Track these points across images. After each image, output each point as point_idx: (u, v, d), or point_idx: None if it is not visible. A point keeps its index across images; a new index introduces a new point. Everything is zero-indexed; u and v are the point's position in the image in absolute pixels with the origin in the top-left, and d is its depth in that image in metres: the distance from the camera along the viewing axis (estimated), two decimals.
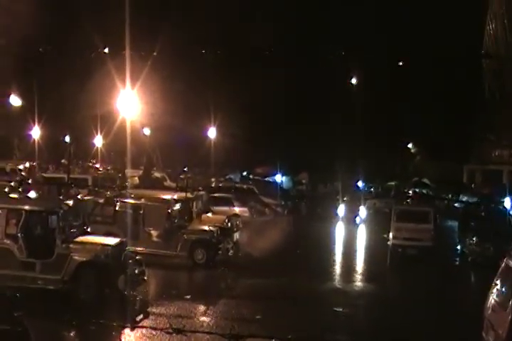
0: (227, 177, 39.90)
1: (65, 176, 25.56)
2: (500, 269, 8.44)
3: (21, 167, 35.70)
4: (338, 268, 17.14)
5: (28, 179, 29.78)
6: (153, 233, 15.76)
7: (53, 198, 19.83)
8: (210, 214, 18.91)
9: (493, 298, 8.25)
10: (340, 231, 25.92)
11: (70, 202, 13.10)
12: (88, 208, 15.33)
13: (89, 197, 18.15)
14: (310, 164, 43.00)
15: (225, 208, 23.12)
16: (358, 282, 15.26)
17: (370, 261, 18.47)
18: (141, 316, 10.82)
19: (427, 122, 43.58)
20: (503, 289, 8.08)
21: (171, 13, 41.56)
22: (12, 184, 25.60)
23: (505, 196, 25.88)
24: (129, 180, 30.43)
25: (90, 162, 46.18)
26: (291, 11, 47.85)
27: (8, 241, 11.69)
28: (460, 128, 44.39)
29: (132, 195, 16.97)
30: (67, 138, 40.58)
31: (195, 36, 45.36)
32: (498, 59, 47.37)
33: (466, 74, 45.49)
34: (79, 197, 19.29)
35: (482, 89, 50.07)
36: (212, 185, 30.63)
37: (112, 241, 12.33)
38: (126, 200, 16.31)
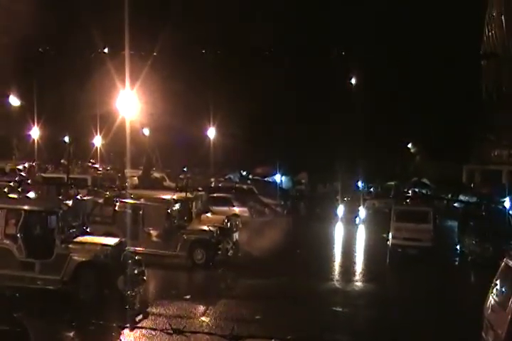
0: (227, 177, 39.92)
1: (65, 176, 25.57)
2: (500, 269, 8.44)
3: (21, 167, 35.73)
4: (337, 268, 17.13)
5: (28, 179, 29.79)
6: (153, 233, 15.75)
7: (52, 198, 19.82)
8: (209, 214, 18.91)
9: (492, 298, 8.25)
10: (339, 231, 25.92)
11: (70, 202, 13.09)
12: (87, 208, 15.31)
13: (88, 197, 18.15)
14: (309, 164, 43.00)
15: (225, 208, 23.13)
16: (358, 282, 15.25)
17: (369, 261, 18.46)
18: (140, 316, 10.81)
19: (427, 122, 43.59)
20: (503, 289, 8.07)
21: (171, 12, 41.53)
22: (11, 184, 25.59)
23: (504, 196, 25.90)
24: (128, 180, 30.42)
25: (90, 162, 46.18)
26: (291, 11, 47.82)
27: (8, 241, 11.68)
28: (460, 128, 44.41)
29: (132, 195, 16.96)
30: (67, 138, 40.55)
31: (194, 36, 45.34)
32: (496, 59, 47.41)
33: (465, 74, 45.50)
34: (78, 197, 19.28)
35: (481, 90, 50.13)
36: (212, 185, 30.63)
37: (111, 241, 12.32)
38: (125, 200, 16.30)
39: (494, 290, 8.34)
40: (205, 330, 9.89)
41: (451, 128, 44.29)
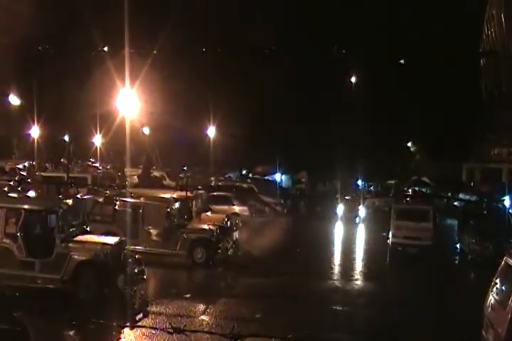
0: (227, 176, 39.93)
1: (64, 175, 25.56)
2: (500, 268, 8.43)
3: (20, 166, 35.73)
4: (337, 267, 17.13)
5: (28, 178, 29.79)
6: (153, 232, 15.75)
7: (52, 197, 19.82)
8: (209, 213, 18.91)
9: (492, 297, 8.24)
10: (339, 230, 25.92)
11: (70, 202, 13.09)
12: (87, 207, 15.31)
13: (88, 197, 18.15)
14: (309, 163, 42.99)
15: (225, 207, 23.14)
16: (358, 281, 15.26)
17: (369, 260, 18.46)
18: (140, 315, 10.81)
19: (427, 121, 43.58)
20: (503, 288, 8.07)
21: (171, 12, 41.48)
22: (11, 183, 25.60)
23: (504, 194, 25.90)
24: (128, 179, 30.42)
25: (89, 161, 46.18)
26: (292, 10, 47.80)
27: (8, 241, 11.68)
28: (459, 126, 44.39)
29: (132, 194, 16.96)
30: (67, 138, 40.57)
31: (195, 35, 45.31)
32: (495, 58, 47.38)
33: (465, 73, 45.49)
34: (78, 196, 19.28)
35: (481, 88, 50.10)
36: (212, 184, 30.64)
37: (111, 240, 12.32)
38: (125, 199, 16.30)
39: (494, 289, 8.33)
40: (205, 329, 9.89)
41: (451, 127, 44.27)
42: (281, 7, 46.14)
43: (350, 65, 52.14)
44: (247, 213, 24.19)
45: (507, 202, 23.78)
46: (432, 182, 40.02)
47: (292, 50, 49.35)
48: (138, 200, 16.12)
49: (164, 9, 42.69)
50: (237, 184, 31.35)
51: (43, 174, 30.29)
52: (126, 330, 9.53)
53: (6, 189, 22.68)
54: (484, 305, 8.40)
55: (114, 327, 9.13)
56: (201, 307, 11.89)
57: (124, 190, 19.46)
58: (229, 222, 17.52)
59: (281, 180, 40.47)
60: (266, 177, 40.32)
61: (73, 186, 24.58)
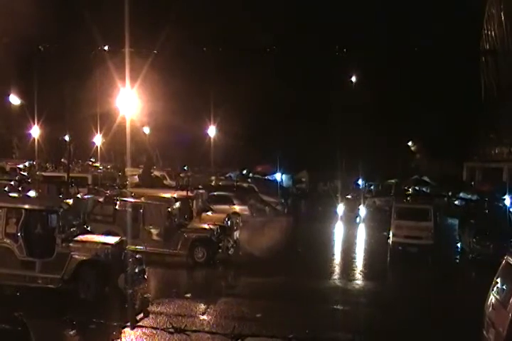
0: (227, 175, 39.90)
1: (65, 175, 25.54)
2: (501, 267, 8.42)
3: (21, 166, 35.72)
4: (338, 267, 17.11)
5: (28, 178, 29.78)
6: (154, 231, 15.75)
7: (53, 197, 19.83)
8: (210, 213, 18.91)
9: (493, 296, 8.23)
10: (340, 229, 25.91)
11: (70, 201, 13.09)
12: (88, 207, 15.32)
13: (89, 196, 18.15)
14: (310, 162, 42.99)
15: (225, 206, 23.12)
16: (359, 280, 15.25)
17: (370, 259, 18.46)
18: (141, 315, 10.79)
19: (428, 120, 43.55)
20: (504, 287, 8.06)
21: (172, 11, 41.47)
22: (12, 183, 25.61)
23: (505, 194, 25.90)
24: (128, 178, 30.41)
25: (90, 161, 46.18)
26: (292, 10, 47.80)
27: (8, 240, 11.68)
28: (460, 126, 44.37)
29: (133, 194, 16.96)
30: (67, 137, 40.55)
31: (195, 35, 45.31)
32: (495, 57, 47.33)
33: (466, 72, 45.47)
34: (79, 196, 19.29)
35: (482, 87, 50.04)
36: (213, 184, 30.62)
37: (112, 240, 12.32)
38: (126, 199, 16.30)
39: (495, 288, 8.32)
40: (206, 329, 9.89)
41: (452, 126, 44.27)
42: (282, 7, 46.16)
43: (351, 65, 52.14)
44: (247, 213, 24.16)
45: (507, 201, 23.78)
46: (433, 181, 39.99)
47: (293, 49, 49.35)
48: (138, 200, 16.12)
49: (165, 9, 42.69)
50: (238, 183, 31.32)
51: (44, 174, 30.29)
52: (127, 330, 9.52)
53: (6, 189, 22.71)
54: (485, 304, 8.39)
55: (114, 326, 9.12)
56: (202, 306, 11.89)
57: (124, 190, 19.47)
58: (229, 222, 17.52)
59: (282, 179, 40.44)
60: (266, 177, 40.30)
61: (74, 186, 24.59)
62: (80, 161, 44.35)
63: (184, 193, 17.57)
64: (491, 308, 8.16)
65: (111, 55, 36.98)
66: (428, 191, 36.28)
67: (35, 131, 40.21)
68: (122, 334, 9.46)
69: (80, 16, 38.04)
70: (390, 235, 18.41)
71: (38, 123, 39.52)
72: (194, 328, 9.40)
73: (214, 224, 16.52)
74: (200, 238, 15.82)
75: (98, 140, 45.65)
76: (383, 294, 13.86)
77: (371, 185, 41.08)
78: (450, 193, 33.54)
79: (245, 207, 24.54)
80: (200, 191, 20.44)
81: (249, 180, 35.63)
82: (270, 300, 12.31)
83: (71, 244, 11.71)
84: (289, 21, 47.01)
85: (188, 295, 12.54)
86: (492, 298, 8.23)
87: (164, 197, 16.63)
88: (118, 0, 26.39)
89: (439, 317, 11.36)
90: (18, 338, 7.36)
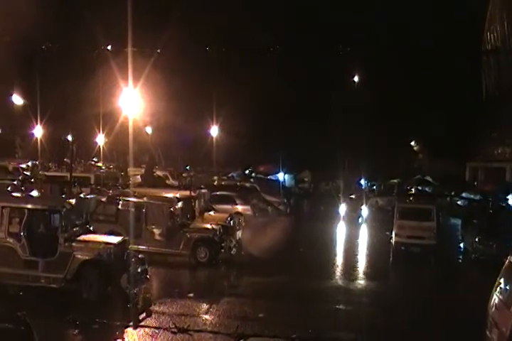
0: (230, 175, 39.93)
1: (67, 175, 25.58)
2: (504, 267, 8.40)
3: (24, 166, 35.80)
4: (340, 266, 17.10)
5: (31, 178, 29.84)
6: (156, 231, 15.76)
7: (56, 197, 19.85)
8: (212, 213, 18.91)
9: (496, 296, 8.21)
10: (342, 229, 25.87)
11: (73, 201, 13.09)
12: (91, 207, 15.32)
13: (91, 196, 18.15)
14: (312, 162, 42.97)
15: (228, 206, 23.13)
16: (361, 280, 15.23)
17: (372, 259, 18.43)
18: (143, 315, 10.81)
19: (430, 120, 43.50)
20: (507, 287, 8.04)
21: (175, 11, 41.50)
22: (15, 183, 25.66)
23: (508, 193, 25.86)
24: (131, 178, 30.47)
25: (92, 160, 46.26)
26: (294, 10, 47.77)
27: (11, 240, 11.70)
28: (462, 125, 44.30)
29: (136, 193, 16.98)
30: (70, 137, 40.64)
31: (198, 35, 45.32)
32: (497, 56, 47.25)
33: (469, 71, 45.40)
34: (81, 195, 19.31)
35: (484, 87, 49.95)
36: (215, 184, 30.64)
37: (114, 239, 12.33)
38: (128, 199, 16.31)
39: (498, 289, 8.30)
40: (209, 329, 9.89)
41: (454, 126, 44.20)
42: (284, 5, 46.14)
43: (353, 65, 52.10)
44: (250, 212, 24.16)
45: (511, 201, 23.75)
46: (435, 181, 39.94)
47: (295, 49, 49.35)
48: (141, 200, 16.13)
49: (168, 8, 42.71)
50: (240, 183, 31.33)
51: (46, 173, 30.35)
52: (130, 330, 9.53)
53: (9, 188, 22.75)
54: (488, 304, 8.37)
55: (117, 326, 9.14)
56: (204, 306, 11.89)
57: (127, 190, 19.48)
58: (232, 222, 17.52)
59: (284, 179, 40.45)
60: (269, 177, 40.30)
61: (76, 185, 24.62)
62: (82, 161, 44.43)
63: (186, 193, 17.57)
64: (494, 308, 8.15)
65: (113, 54, 37.03)
66: (430, 191, 36.23)
67: (38, 131, 40.28)
68: (125, 334, 9.46)
69: (83, 16, 38.10)
70: (393, 235, 18.38)
71: (40, 123, 39.59)
72: (196, 328, 9.41)
73: (216, 224, 16.52)
74: (202, 238, 15.82)
75: (100, 140, 45.71)
76: (386, 294, 13.84)
77: (373, 185, 41.07)
78: (453, 193, 33.50)
79: (248, 207, 24.55)
80: (203, 191, 20.44)
81: (251, 179, 35.64)
82: (272, 300, 12.31)
83: (74, 244, 11.72)
84: (291, 21, 46.99)
85: (191, 295, 12.54)
86: (495, 298, 8.21)
87: (167, 197, 16.63)
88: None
89: (442, 317, 11.34)
90: (21, 337, 7.37)
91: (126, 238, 12.85)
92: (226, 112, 40.72)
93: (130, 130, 22.13)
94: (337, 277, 15.49)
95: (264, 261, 15.99)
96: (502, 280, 8.29)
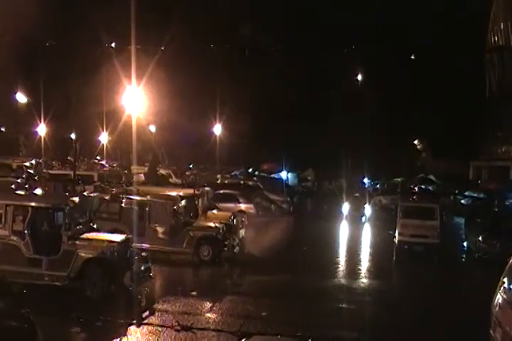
0: (233, 173, 39.95)
1: (71, 173, 25.64)
2: (508, 266, 8.38)
3: (27, 164, 35.88)
4: (344, 265, 17.08)
5: (35, 176, 29.92)
6: (159, 230, 15.77)
7: (59, 195, 19.90)
8: (215, 211, 18.93)
9: (500, 296, 8.19)
10: (345, 228, 25.87)
11: (76, 199, 13.12)
12: (94, 205, 15.35)
13: (95, 194, 18.19)
14: (315, 161, 42.95)
15: (231, 205, 23.17)
16: (365, 279, 15.22)
17: (376, 258, 18.42)
18: (147, 313, 10.83)
19: (433, 119, 43.42)
20: (511, 286, 8.02)
21: (178, 9, 41.49)
22: (18, 181, 25.73)
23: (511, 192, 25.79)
24: (134, 177, 30.50)
25: (95, 159, 46.33)
26: (296, 9, 47.72)
27: (15, 238, 11.73)
28: (466, 124, 44.20)
29: (140, 191, 17.00)
30: (73, 135, 40.72)
31: (202, 34, 45.31)
32: (501, 55, 47.12)
33: (472, 70, 45.28)
34: (85, 193, 19.34)
35: (487, 85, 49.80)
36: (218, 182, 30.67)
37: (117, 237, 12.35)
38: (131, 197, 16.34)
39: (502, 288, 8.28)
40: (212, 327, 9.89)
41: (458, 125, 44.10)
42: (287, 6, 46.08)
43: (356, 64, 52.05)
44: (253, 211, 24.20)
45: None
46: (438, 180, 39.88)
47: (299, 47, 49.29)
48: (144, 198, 16.15)
49: (171, 7, 42.70)
50: (243, 182, 31.35)
51: (50, 172, 30.42)
52: (133, 328, 9.54)
53: (13, 186, 22.81)
54: (492, 304, 8.35)
55: (120, 324, 9.13)
56: (207, 304, 11.89)
57: (131, 188, 19.51)
58: (235, 220, 17.53)
59: (287, 177, 40.44)
60: (272, 175, 40.31)
61: (80, 183, 24.69)
62: (85, 159, 44.51)
63: (190, 191, 17.59)
64: (497, 308, 8.12)
65: (117, 52, 37.07)
66: (434, 190, 36.17)
67: (42, 129, 40.35)
68: (128, 332, 9.48)
69: (86, 14, 38.12)
70: (396, 234, 18.35)
71: (44, 121, 39.64)
72: (200, 326, 9.39)
73: (220, 223, 16.53)
74: (205, 236, 15.83)
75: (104, 138, 45.77)
76: (389, 293, 13.83)
77: (377, 184, 41.03)
78: (456, 192, 33.44)
79: (251, 206, 24.59)
80: (206, 189, 20.46)
81: (254, 178, 35.66)
82: (275, 299, 12.31)
83: (77, 242, 11.74)
84: (291, 21, 46.94)
85: (194, 293, 12.55)
86: (499, 298, 8.19)
87: (170, 196, 16.65)
88: None
89: (445, 316, 11.32)
90: (24, 335, 7.40)
91: (130, 236, 12.87)
92: (229, 111, 40.75)
93: (134, 128, 22.14)
94: (340, 276, 15.48)
95: (267, 260, 16.00)
96: (506, 280, 8.27)
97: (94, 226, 13.05)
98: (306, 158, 43.44)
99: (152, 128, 43.23)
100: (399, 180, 38.88)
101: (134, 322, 9.46)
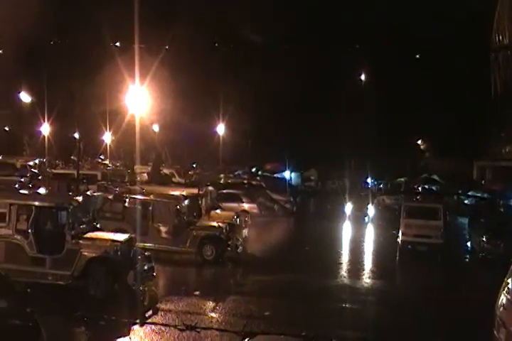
0: (236, 173, 39.97)
1: (75, 172, 25.68)
2: None
3: (31, 163, 35.96)
4: (347, 265, 17.07)
5: (38, 175, 29.98)
6: (163, 229, 15.78)
7: (63, 194, 19.93)
8: (218, 211, 18.93)
9: (504, 296, 8.17)
10: (348, 228, 25.85)
11: (80, 198, 13.14)
12: (98, 204, 15.36)
13: (98, 193, 18.21)
14: (319, 161, 42.94)
15: (234, 204, 23.17)
16: (368, 278, 15.20)
17: (379, 258, 18.40)
18: (150, 312, 10.83)
19: (437, 119, 43.35)
20: None
21: (182, 9, 41.51)
22: (22, 180, 25.80)
23: None
24: (137, 176, 30.55)
25: (99, 158, 46.39)
26: (302, 7, 47.68)
27: (19, 237, 11.75)
28: (470, 124, 44.12)
29: (144, 191, 17.03)
30: (77, 135, 40.79)
31: (206, 33, 45.32)
32: (505, 56, 47.02)
33: (476, 70, 45.21)
34: (88, 193, 19.36)
35: (492, 86, 49.68)
36: (221, 182, 30.68)
37: (121, 237, 12.36)
38: (135, 196, 16.35)
39: (506, 288, 8.26)
40: (215, 326, 9.89)
41: (462, 125, 44.02)
42: (291, 5, 46.06)
43: (361, 63, 52.00)
44: (256, 210, 24.21)
45: None
46: (442, 180, 39.81)
47: (303, 46, 49.25)
48: (147, 197, 16.17)
49: (175, 6, 42.71)
50: (247, 181, 31.36)
51: (54, 171, 30.48)
52: (136, 327, 9.56)
53: (17, 186, 22.88)
54: (496, 304, 8.33)
55: (124, 323, 9.16)
56: (210, 304, 11.90)
57: (135, 187, 19.53)
58: (238, 220, 17.54)
59: (291, 177, 40.46)
60: (275, 175, 40.32)
61: (84, 182, 24.73)
62: (89, 159, 44.57)
63: (193, 191, 17.60)
64: (501, 308, 8.10)
65: (120, 51, 37.09)
66: (437, 190, 36.12)
67: (46, 129, 40.46)
68: (131, 331, 9.49)
69: (90, 13, 38.17)
70: (399, 234, 18.32)
71: (48, 120, 39.75)
72: (203, 325, 9.41)
73: (223, 222, 16.53)
74: (208, 236, 15.83)
75: (107, 137, 45.83)
76: (392, 293, 13.80)
77: (380, 184, 41.00)
78: (460, 192, 33.37)
79: (254, 205, 24.60)
80: (209, 189, 20.46)
81: (258, 177, 35.67)
82: (278, 298, 12.30)
83: (81, 241, 11.76)
84: (296, 21, 46.90)
85: (197, 293, 12.55)
86: (503, 298, 8.16)
87: (173, 195, 16.66)
88: None
89: (449, 316, 11.29)
90: (29, 334, 7.41)
91: (133, 235, 12.88)
92: (233, 110, 40.77)
93: (137, 128, 22.16)
94: (343, 275, 15.47)
95: (270, 259, 16.00)
96: (510, 280, 8.24)
97: (98, 225, 13.07)
98: (309, 158, 43.43)
99: (155, 128, 43.31)
100: (402, 179, 38.84)
101: (138, 321, 9.49)
